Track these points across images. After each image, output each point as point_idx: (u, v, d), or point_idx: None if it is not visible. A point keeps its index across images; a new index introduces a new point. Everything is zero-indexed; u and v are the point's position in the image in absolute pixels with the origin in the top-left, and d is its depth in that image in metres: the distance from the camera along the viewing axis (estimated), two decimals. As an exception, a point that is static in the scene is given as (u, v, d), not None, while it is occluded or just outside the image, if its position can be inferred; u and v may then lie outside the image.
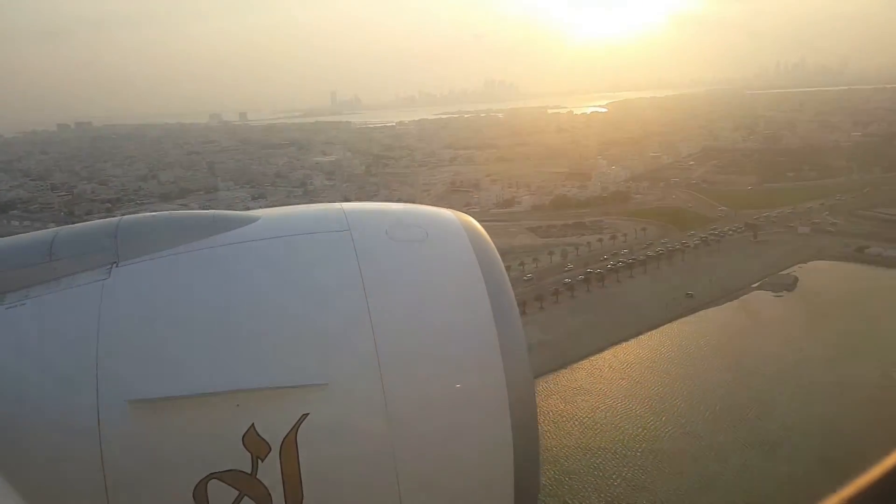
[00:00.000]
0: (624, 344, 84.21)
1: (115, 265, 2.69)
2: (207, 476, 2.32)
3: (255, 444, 2.33)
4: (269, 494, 2.34)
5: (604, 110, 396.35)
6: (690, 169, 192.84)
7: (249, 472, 2.33)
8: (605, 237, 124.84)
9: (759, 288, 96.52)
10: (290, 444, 2.35)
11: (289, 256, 2.75)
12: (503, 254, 3.01)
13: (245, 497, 2.34)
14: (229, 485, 2.33)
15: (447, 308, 2.68)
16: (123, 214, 3.08)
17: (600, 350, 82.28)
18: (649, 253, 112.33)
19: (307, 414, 2.37)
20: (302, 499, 2.38)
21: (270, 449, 2.34)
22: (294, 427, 2.35)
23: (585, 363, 79.49)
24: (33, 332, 2.50)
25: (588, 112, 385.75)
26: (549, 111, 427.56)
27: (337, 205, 3.08)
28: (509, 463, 2.55)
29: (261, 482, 2.34)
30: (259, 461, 2.34)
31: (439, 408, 2.51)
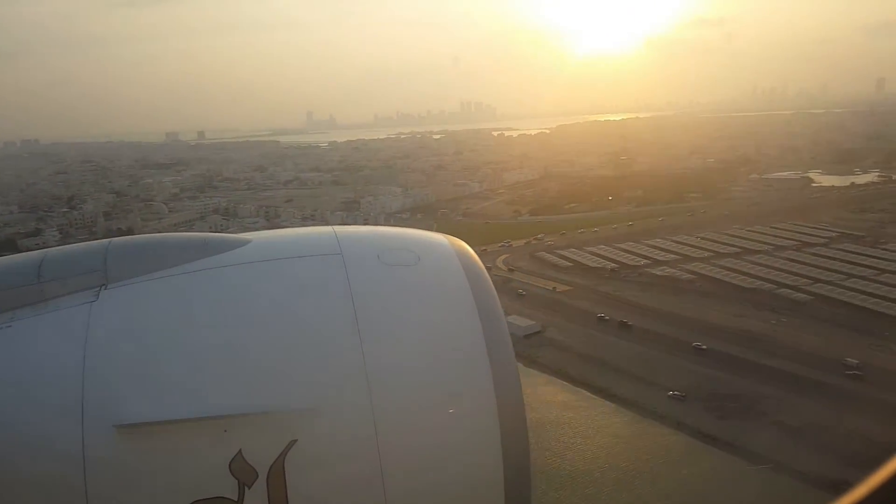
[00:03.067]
0: None
1: (103, 287, 2.65)
2: (193, 503, 2.28)
3: (242, 470, 2.30)
4: None
5: (531, 133, 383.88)
6: (487, 198, 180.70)
7: (236, 499, 2.29)
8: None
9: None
10: (277, 471, 2.31)
11: (279, 280, 2.71)
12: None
13: None
14: None
15: (439, 333, 2.65)
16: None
17: None
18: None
19: (295, 440, 2.33)
20: None
21: (258, 475, 2.31)
22: (282, 453, 2.32)
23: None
24: (19, 355, 2.47)
25: (515, 135, 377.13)
26: (494, 133, 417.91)
27: (329, 228, 3.07)
28: (500, 489, 2.53)
29: None
30: (246, 488, 2.29)
31: (430, 433, 2.48)
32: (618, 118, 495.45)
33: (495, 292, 2.84)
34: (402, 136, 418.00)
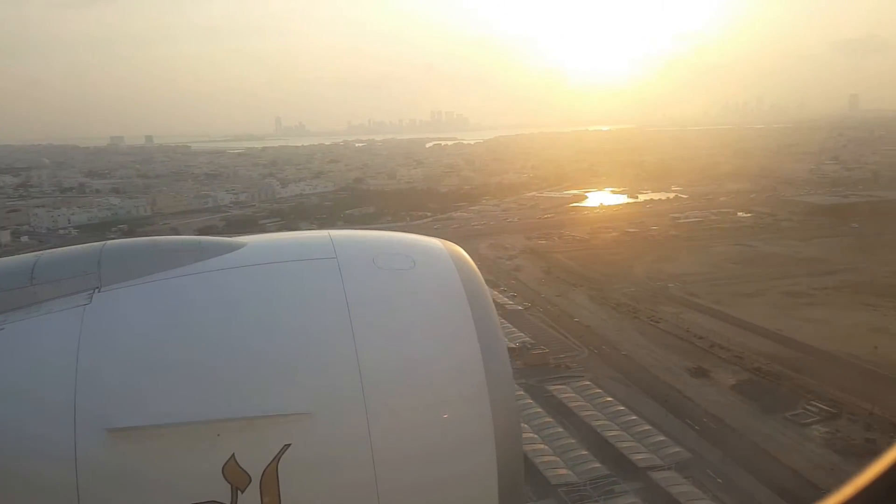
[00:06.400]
0: None
1: (97, 290, 2.64)
2: None
3: (235, 474, 2.29)
4: None
5: (447, 144, 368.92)
6: (219, 212, 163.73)
7: (228, 503, 2.30)
8: None
9: None
10: (270, 476, 2.31)
11: (273, 283, 2.71)
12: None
13: None
14: None
15: (433, 337, 2.66)
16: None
17: None
18: None
19: (289, 444, 2.33)
20: None
21: (251, 480, 2.30)
22: (275, 458, 2.31)
23: None
24: (11, 358, 2.46)
25: (429, 146, 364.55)
26: (427, 145, 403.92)
27: (324, 232, 3.06)
28: (494, 493, 2.53)
29: None
30: (239, 492, 2.29)
31: (424, 438, 2.48)
32: (568, 130, 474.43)
33: (490, 297, 2.84)
34: (327, 144, 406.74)
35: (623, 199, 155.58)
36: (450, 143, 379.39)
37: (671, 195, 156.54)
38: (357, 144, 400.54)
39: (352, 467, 2.38)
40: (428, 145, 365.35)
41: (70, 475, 2.25)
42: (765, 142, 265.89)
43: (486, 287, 2.85)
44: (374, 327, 2.56)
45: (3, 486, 2.30)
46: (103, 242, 2.89)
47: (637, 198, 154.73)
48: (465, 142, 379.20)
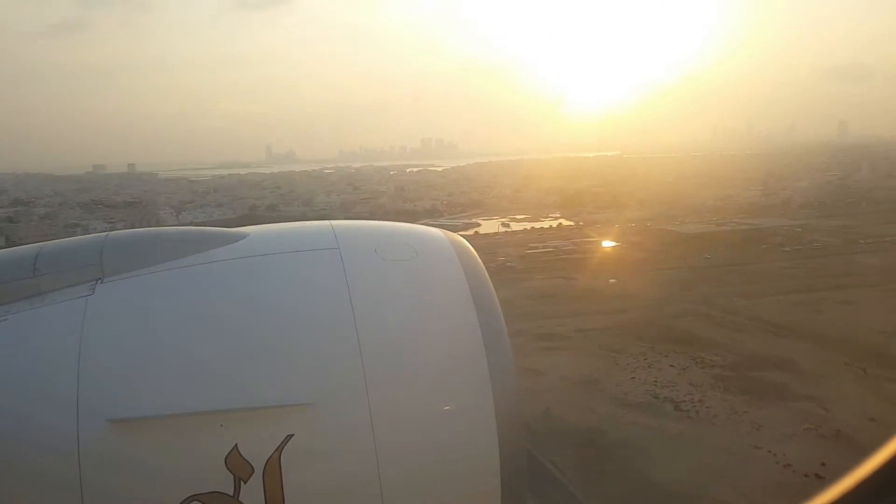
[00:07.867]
0: None
1: (99, 281, 2.65)
2: (188, 498, 2.28)
3: (238, 465, 2.30)
4: None
5: (413, 170, 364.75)
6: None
7: (231, 494, 2.29)
8: None
9: None
10: (273, 466, 2.31)
11: (276, 274, 2.72)
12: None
13: None
14: None
15: (436, 327, 2.67)
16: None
17: None
18: None
19: (291, 435, 2.33)
20: None
21: (253, 470, 2.31)
22: (278, 448, 2.32)
23: None
24: (14, 349, 2.47)
25: (392, 173, 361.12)
26: (391, 172, 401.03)
27: (326, 223, 3.08)
28: (496, 483, 2.53)
29: None
30: (242, 483, 2.30)
31: (426, 428, 2.49)
32: (546, 157, 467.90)
33: (492, 287, 2.83)
34: (298, 171, 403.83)
35: (509, 226, 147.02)
36: (415, 169, 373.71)
37: (557, 223, 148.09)
38: (326, 170, 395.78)
39: (354, 457, 2.38)
40: (392, 172, 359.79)
41: (73, 465, 2.25)
42: (717, 168, 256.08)
43: (488, 278, 2.84)
44: (376, 318, 2.55)
45: (5, 476, 2.29)
46: (106, 233, 2.88)
47: (510, 226, 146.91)
48: (432, 169, 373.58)
